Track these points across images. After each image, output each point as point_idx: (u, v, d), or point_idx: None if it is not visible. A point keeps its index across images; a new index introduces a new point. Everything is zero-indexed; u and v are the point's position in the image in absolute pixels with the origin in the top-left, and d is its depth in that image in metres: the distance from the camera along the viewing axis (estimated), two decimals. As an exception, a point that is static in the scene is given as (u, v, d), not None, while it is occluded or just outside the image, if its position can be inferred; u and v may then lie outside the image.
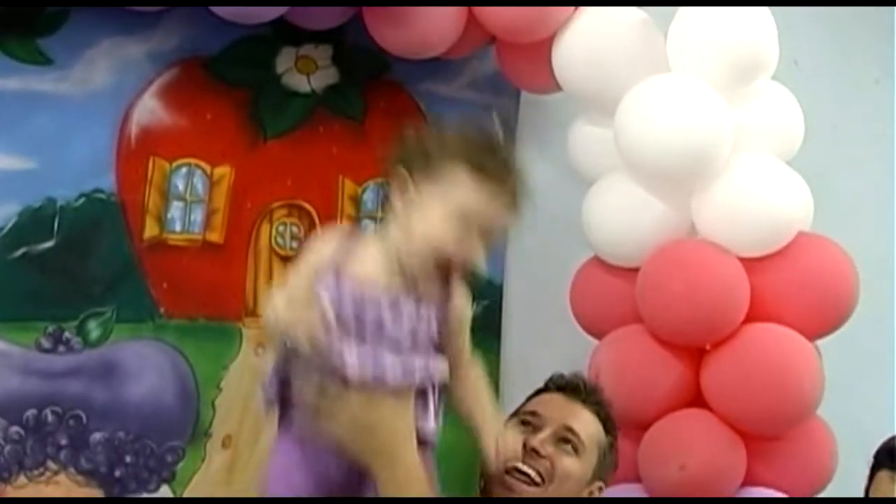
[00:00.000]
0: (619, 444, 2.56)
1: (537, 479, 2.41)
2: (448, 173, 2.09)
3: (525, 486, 2.40)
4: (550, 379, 2.56)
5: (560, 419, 2.48)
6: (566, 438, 2.46)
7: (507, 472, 2.39)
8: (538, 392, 2.56)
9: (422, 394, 2.16)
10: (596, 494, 2.50)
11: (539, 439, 2.44)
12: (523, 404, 2.54)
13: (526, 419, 2.50)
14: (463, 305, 2.22)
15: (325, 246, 2.15)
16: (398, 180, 2.12)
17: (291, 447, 2.17)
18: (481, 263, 2.14)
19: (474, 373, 2.27)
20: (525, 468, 2.40)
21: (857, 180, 3.65)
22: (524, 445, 2.41)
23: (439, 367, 2.16)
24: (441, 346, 2.18)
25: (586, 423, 2.50)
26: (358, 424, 2.10)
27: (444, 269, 2.14)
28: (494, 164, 2.10)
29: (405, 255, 2.12)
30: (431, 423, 2.18)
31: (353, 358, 2.06)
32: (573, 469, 2.45)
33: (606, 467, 2.53)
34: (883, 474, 2.40)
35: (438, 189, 2.09)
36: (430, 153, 2.10)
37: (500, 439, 2.26)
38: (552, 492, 2.42)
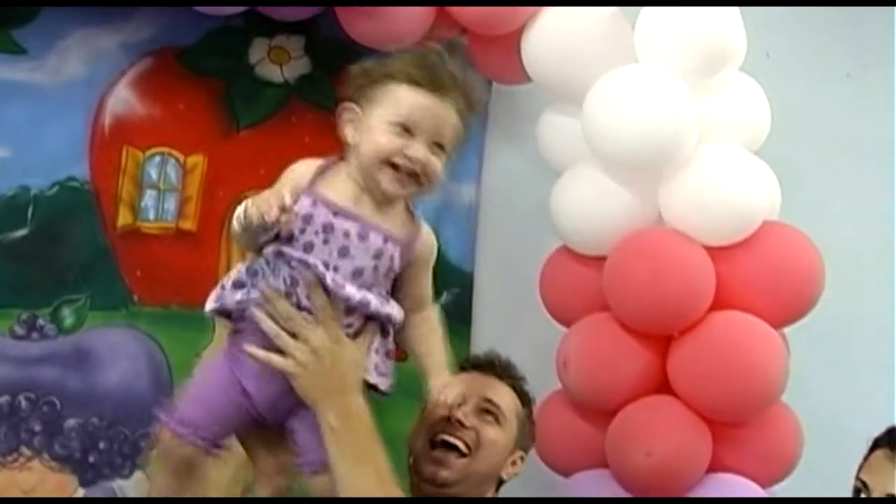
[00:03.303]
0: (534, 418, 2.68)
1: (464, 449, 2.51)
2: (387, 90, 2.16)
3: (453, 458, 2.50)
4: (466, 359, 2.64)
5: (480, 392, 2.58)
6: (488, 409, 2.57)
7: (434, 445, 2.50)
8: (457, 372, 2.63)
9: (381, 338, 2.21)
10: (518, 464, 2.62)
11: (463, 411, 2.53)
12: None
13: None
14: (427, 245, 2.28)
15: (301, 168, 2.21)
16: (346, 113, 2.20)
17: (223, 363, 2.21)
18: (436, 168, 2.17)
19: (431, 315, 2.31)
20: (452, 439, 2.51)
21: (828, 172, 3.67)
22: (448, 419, 2.48)
23: (394, 311, 2.20)
24: (402, 283, 2.23)
25: (504, 395, 2.61)
26: (319, 357, 2.13)
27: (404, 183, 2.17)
28: (430, 74, 2.16)
29: (364, 175, 2.17)
30: (387, 374, 2.24)
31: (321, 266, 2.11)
32: (497, 438, 2.56)
33: (526, 437, 2.65)
34: (879, 453, 2.41)
35: (377, 107, 2.16)
36: (371, 78, 2.18)
37: (445, 387, 2.27)
38: (479, 460, 2.52)
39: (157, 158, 3.03)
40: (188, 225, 3.05)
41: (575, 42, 2.91)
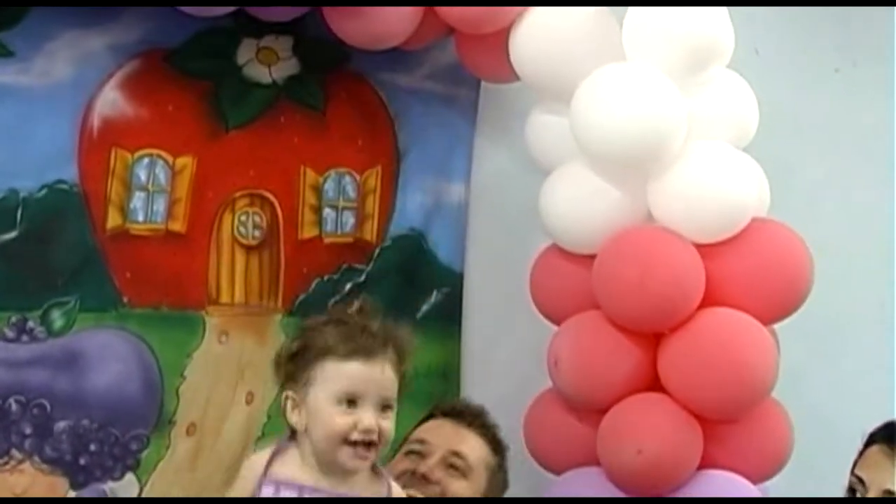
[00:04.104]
0: (506, 465, 2.69)
1: None
2: (322, 370, 2.18)
3: None
4: (436, 406, 2.64)
5: (447, 444, 2.59)
6: (454, 464, 2.57)
7: None
8: (425, 419, 2.62)
9: None
10: None
11: (428, 465, 2.54)
12: (410, 432, 2.61)
13: (413, 448, 2.60)
14: (401, 493, 2.29)
15: (255, 460, 2.23)
16: (287, 400, 2.22)
17: None
18: (388, 430, 2.19)
19: None
20: (416, 495, 2.50)
21: (817, 169, 3.69)
22: (413, 473, 2.49)
23: None
24: None
25: (473, 446, 2.62)
26: None
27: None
28: (359, 342, 2.18)
29: (321, 456, 2.19)
30: None
31: None
32: (463, 492, 2.57)
33: (496, 487, 2.65)
34: (875, 448, 2.42)
35: (316, 387, 2.18)
36: (303, 361, 2.20)
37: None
38: None
39: (146, 160, 3.02)
40: (178, 226, 3.04)
41: (563, 40, 2.90)
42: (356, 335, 2.19)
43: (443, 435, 2.59)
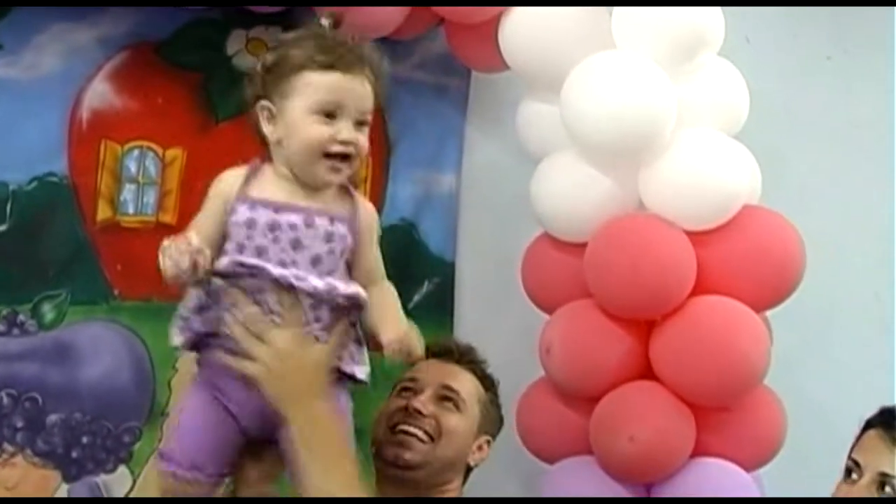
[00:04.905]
0: (500, 401, 2.70)
1: (424, 438, 2.53)
2: (299, 81, 2.14)
3: (415, 441, 2.52)
4: (426, 348, 2.63)
5: (438, 380, 2.61)
6: (447, 396, 2.59)
7: (394, 434, 2.52)
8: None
9: (351, 328, 2.20)
10: (484, 448, 2.64)
11: (420, 400, 2.56)
12: (402, 375, 2.62)
13: (406, 385, 2.63)
14: (369, 215, 2.25)
15: (227, 178, 2.20)
16: (262, 112, 2.18)
17: (199, 391, 2.19)
18: (364, 144, 2.17)
19: (385, 287, 2.27)
20: (411, 429, 2.53)
21: (809, 156, 3.68)
22: (406, 408, 2.50)
23: (360, 291, 2.18)
24: (352, 260, 2.20)
25: (464, 381, 2.63)
26: (284, 360, 2.12)
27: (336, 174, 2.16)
28: (337, 54, 2.14)
29: (297, 169, 2.16)
30: (363, 362, 2.23)
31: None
32: (458, 424, 2.58)
33: (491, 421, 2.67)
34: (872, 432, 2.42)
35: (294, 99, 2.14)
36: (280, 72, 2.16)
37: (406, 335, 2.22)
38: (442, 447, 2.54)
39: (136, 152, 3.02)
40: (168, 218, 3.04)
41: (552, 29, 2.90)
42: (334, 47, 2.15)
43: (434, 372, 2.60)
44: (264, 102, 2.17)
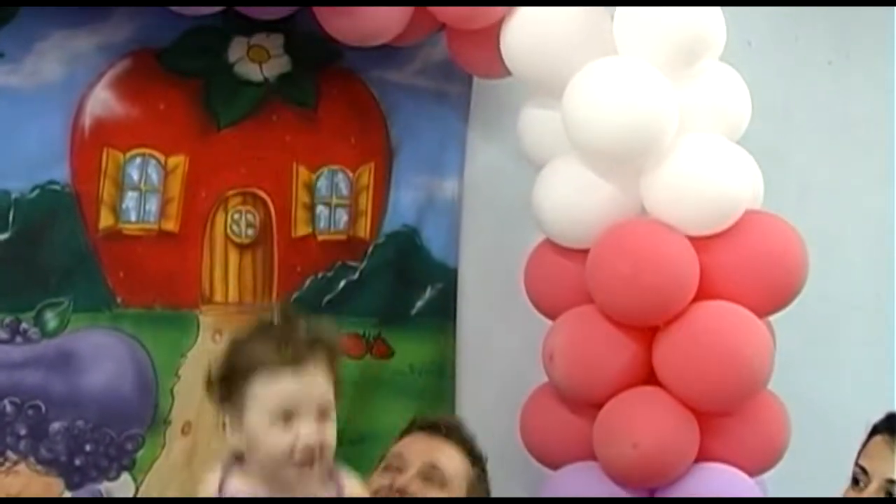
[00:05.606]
0: (487, 475, 2.65)
1: None
2: (252, 388, 2.11)
3: None
4: (413, 420, 2.62)
5: (423, 457, 2.57)
6: (430, 476, 2.55)
7: None
8: (402, 434, 2.62)
9: None
10: None
11: (405, 479, 2.53)
12: (389, 448, 2.61)
13: (391, 463, 2.59)
14: (358, 489, 2.26)
15: (210, 478, 2.20)
16: (225, 423, 2.16)
17: None
18: (331, 437, 2.14)
19: None
20: None
21: (811, 161, 3.69)
22: (390, 488, 2.50)
23: None
24: None
25: (450, 458, 2.59)
26: None
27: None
28: (286, 351, 2.11)
29: (269, 475, 2.14)
30: None
31: None
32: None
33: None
34: (878, 438, 2.42)
35: (249, 411, 2.12)
36: (233, 381, 2.14)
37: None
38: None
39: (138, 159, 3.01)
40: (170, 226, 3.04)
41: (554, 34, 2.90)
42: (281, 346, 2.11)
43: (419, 448, 2.57)
44: (225, 418, 2.16)
